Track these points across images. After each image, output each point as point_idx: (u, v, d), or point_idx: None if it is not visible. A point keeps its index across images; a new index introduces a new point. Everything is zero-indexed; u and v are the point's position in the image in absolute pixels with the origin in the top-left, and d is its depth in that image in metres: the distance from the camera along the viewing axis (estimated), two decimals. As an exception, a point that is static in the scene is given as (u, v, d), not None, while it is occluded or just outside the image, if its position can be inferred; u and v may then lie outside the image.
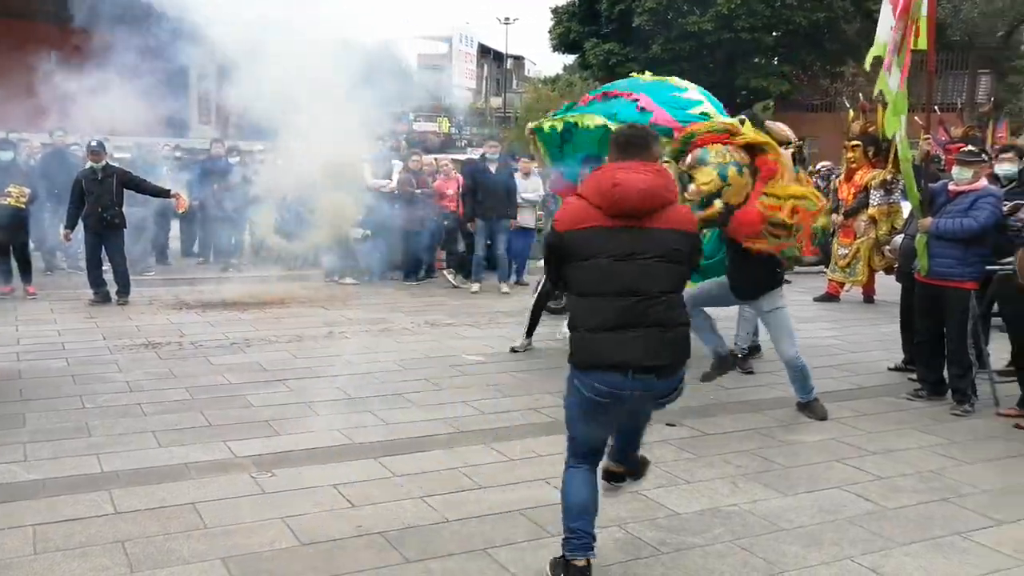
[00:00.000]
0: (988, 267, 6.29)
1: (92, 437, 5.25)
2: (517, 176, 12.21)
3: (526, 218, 12.08)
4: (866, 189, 10.51)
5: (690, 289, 6.31)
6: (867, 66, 6.86)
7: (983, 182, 6.28)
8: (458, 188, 12.15)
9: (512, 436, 5.53)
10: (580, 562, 3.53)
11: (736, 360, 7.34)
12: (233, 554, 3.81)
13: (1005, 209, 6.24)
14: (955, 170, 6.33)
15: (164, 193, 10.26)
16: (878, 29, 6.56)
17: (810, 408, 6.14)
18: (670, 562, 3.90)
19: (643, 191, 3.39)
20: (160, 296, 10.39)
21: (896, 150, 8.25)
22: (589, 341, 3.45)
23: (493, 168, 11.31)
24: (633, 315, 3.39)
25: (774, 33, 31.15)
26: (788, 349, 6.06)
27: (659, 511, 4.43)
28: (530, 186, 12.10)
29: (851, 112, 11.22)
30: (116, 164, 10.40)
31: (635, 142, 3.56)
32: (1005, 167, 6.81)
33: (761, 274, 5.98)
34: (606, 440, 3.75)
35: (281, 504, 4.35)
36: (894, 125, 6.47)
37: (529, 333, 7.94)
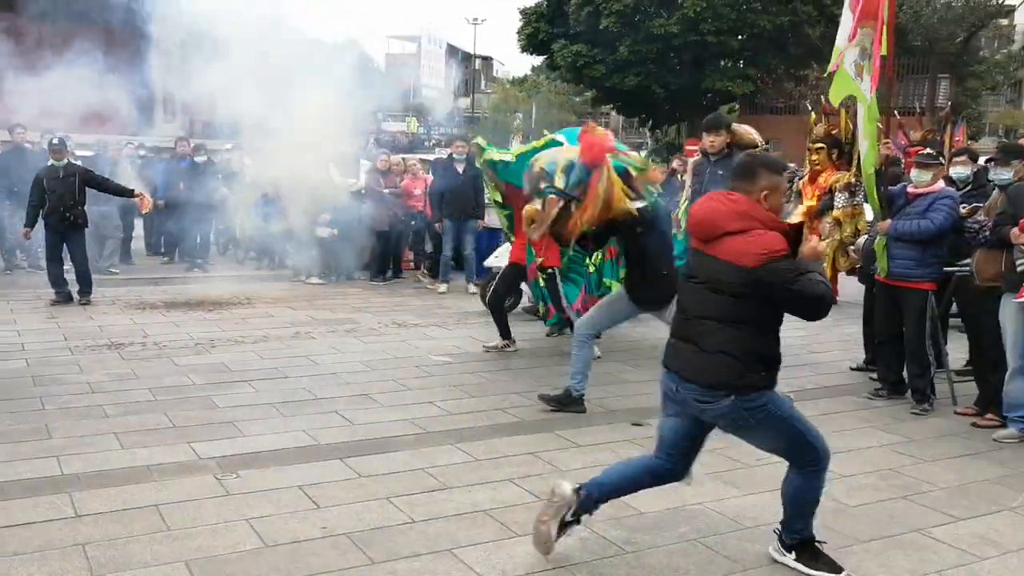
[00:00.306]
0: (946, 268, 6.42)
1: (52, 439, 5.17)
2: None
3: (496, 219, 12.08)
4: (831, 191, 10.62)
5: (590, 312, 6.37)
6: (827, 72, 6.94)
7: (940, 184, 6.40)
8: (426, 188, 12.14)
9: (478, 436, 5.53)
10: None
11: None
12: (196, 557, 3.77)
13: (963, 211, 6.36)
14: (913, 173, 6.46)
15: (128, 193, 10.12)
16: (839, 35, 6.66)
17: None
18: (635, 561, 3.92)
19: (699, 219, 3.68)
20: (123, 296, 10.25)
21: (859, 154, 8.40)
22: (667, 344, 3.87)
23: (460, 168, 11.29)
24: (683, 330, 3.74)
25: (739, 36, 31.42)
26: None
27: (625, 510, 4.44)
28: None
29: (813, 115, 11.32)
30: (78, 162, 10.25)
31: (739, 170, 3.78)
32: (958, 170, 6.92)
33: (662, 286, 5.80)
34: (675, 443, 3.90)
35: (245, 506, 4.32)
36: (872, 130, 6.54)
37: (505, 335, 7.94)
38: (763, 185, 3.64)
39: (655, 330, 9.24)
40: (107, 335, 8.08)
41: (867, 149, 6.50)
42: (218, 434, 5.37)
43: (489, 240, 12.11)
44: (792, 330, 9.32)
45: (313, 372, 6.95)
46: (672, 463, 3.91)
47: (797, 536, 3.82)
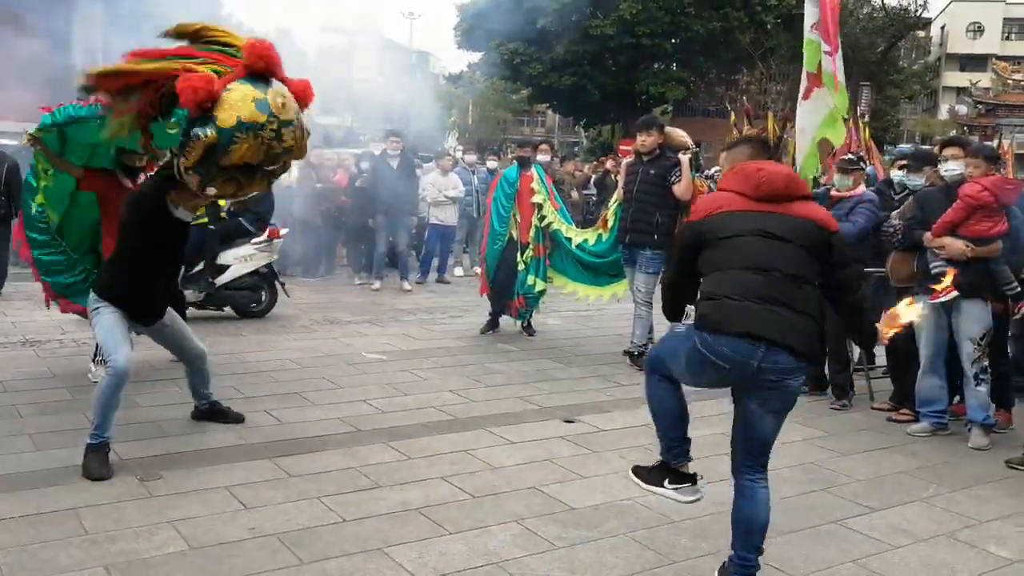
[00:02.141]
0: (865, 269, 6.65)
1: (-38, 440, 4.94)
2: (434, 173, 12.19)
3: (448, 215, 12.04)
4: None
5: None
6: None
7: (861, 188, 6.69)
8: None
9: (411, 434, 5.47)
10: (686, 468, 3.76)
11: (632, 357, 7.49)
12: (118, 561, 3.63)
13: (893, 215, 6.59)
14: (836, 177, 6.68)
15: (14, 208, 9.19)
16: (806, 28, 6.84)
17: None
18: (565, 555, 3.92)
19: (789, 176, 3.64)
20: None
21: (794, 156, 8.59)
22: (724, 307, 3.41)
23: (394, 164, 11.18)
24: (769, 291, 3.40)
25: (673, 40, 31.81)
26: None
27: (555, 506, 4.45)
28: (450, 183, 12.07)
29: (733, 116, 11.51)
30: (5, 152, 9.83)
31: (761, 146, 3.88)
32: (899, 174, 7.11)
33: None
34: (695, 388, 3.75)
35: (169, 508, 4.18)
36: (839, 133, 6.70)
37: None
38: None
39: (585, 327, 9.32)
40: (21, 332, 7.78)
41: (807, 154, 6.64)
42: (140, 434, 5.19)
43: (445, 237, 12.12)
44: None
45: (241, 370, 6.79)
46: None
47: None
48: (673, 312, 3.92)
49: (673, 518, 4.33)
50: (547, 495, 4.60)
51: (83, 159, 6.04)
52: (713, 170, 15.53)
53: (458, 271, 13.15)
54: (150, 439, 5.13)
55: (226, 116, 4.12)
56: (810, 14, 7.06)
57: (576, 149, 25.81)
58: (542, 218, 8.38)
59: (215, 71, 4.27)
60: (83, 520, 3.99)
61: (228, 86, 4.17)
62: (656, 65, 33.39)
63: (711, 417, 6.20)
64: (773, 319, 3.35)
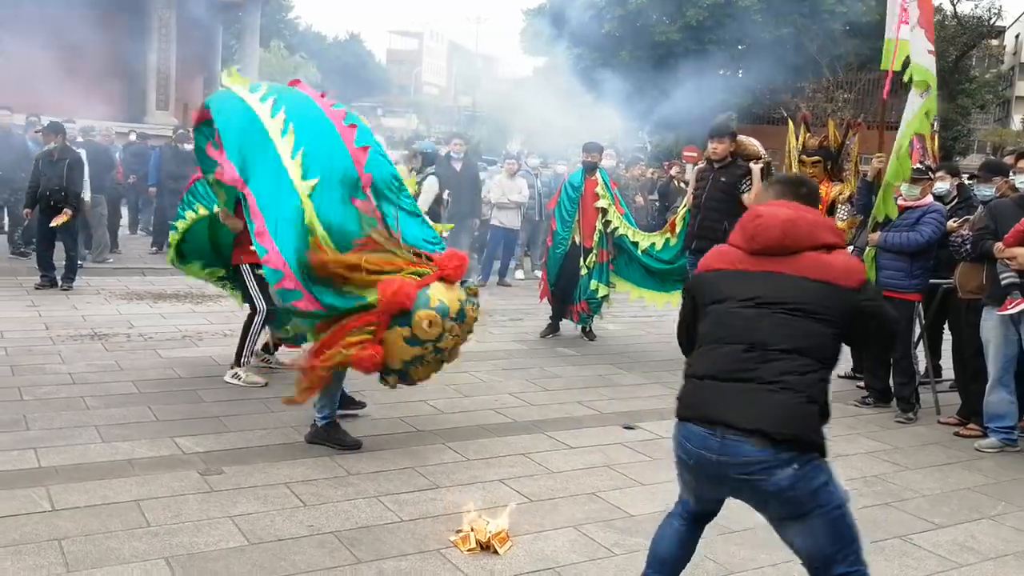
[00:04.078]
0: (933, 281, 6.59)
1: (30, 431, 5.02)
2: (500, 176, 12.17)
3: (511, 218, 12.02)
4: (833, 204, 10.55)
5: None
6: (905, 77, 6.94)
7: (929, 198, 6.55)
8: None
9: (469, 436, 5.44)
10: None
11: None
12: (177, 553, 3.65)
13: (954, 225, 6.51)
14: (904, 186, 6.48)
15: (75, 199, 9.61)
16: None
17: None
18: (623, 563, 3.84)
19: (786, 221, 2.93)
20: (110, 286, 10.10)
21: (857, 163, 8.38)
22: (689, 389, 2.97)
23: (458, 167, 11.19)
24: (744, 365, 2.83)
25: (740, 46, 31.41)
26: None
27: (614, 513, 4.39)
28: (515, 187, 12.04)
29: (791, 123, 11.22)
30: (75, 148, 10.10)
31: (806, 191, 3.17)
32: (938, 185, 6.98)
33: None
34: (708, 504, 3.14)
35: (230, 503, 4.20)
36: (910, 135, 6.56)
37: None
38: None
39: (647, 333, 9.19)
40: (91, 325, 7.93)
41: (899, 158, 6.46)
42: (203, 429, 5.24)
43: (508, 240, 12.09)
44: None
45: (302, 368, 6.81)
46: (702, 516, 3.17)
47: None
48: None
49: (733, 528, 4.21)
50: (605, 501, 4.53)
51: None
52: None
53: (519, 274, 13.11)
54: (213, 434, 5.17)
55: (393, 362, 4.67)
56: (892, 15, 6.86)
57: (640, 155, 25.72)
58: (607, 223, 8.29)
59: (370, 332, 4.60)
60: (145, 512, 4.02)
61: (382, 339, 4.59)
62: (721, 71, 33.01)
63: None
64: (738, 398, 2.79)
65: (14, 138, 11.33)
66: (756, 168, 7.30)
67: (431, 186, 9.35)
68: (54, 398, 5.66)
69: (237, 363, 6.38)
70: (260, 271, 5.45)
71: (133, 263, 11.86)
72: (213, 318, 8.57)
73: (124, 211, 13.54)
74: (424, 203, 8.61)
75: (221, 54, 28.99)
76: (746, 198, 7.17)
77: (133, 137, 14.63)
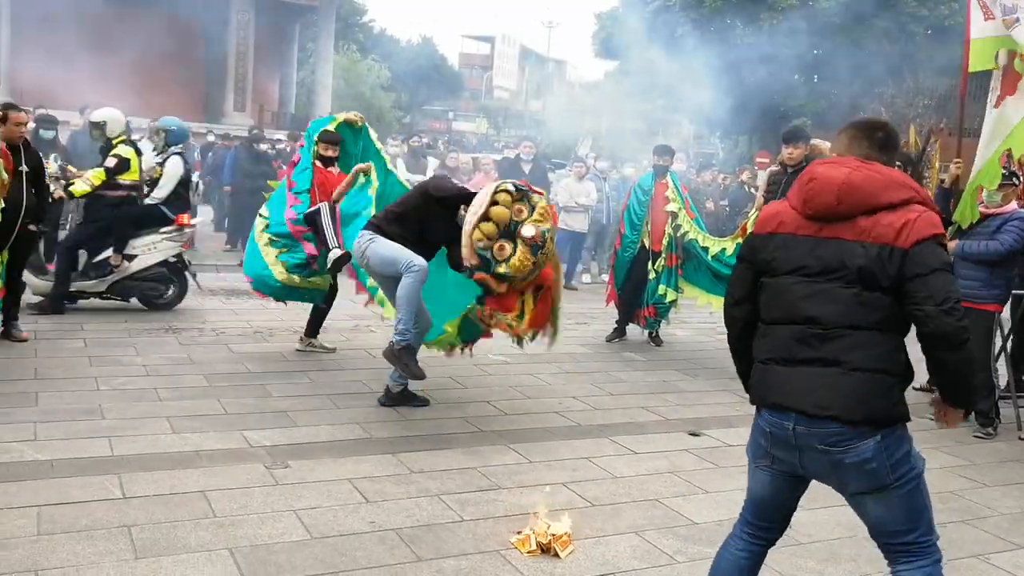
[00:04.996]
0: (1016, 292, 6.26)
1: (104, 420, 5.16)
2: (568, 179, 12.16)
3: (579, 222, 11.98)
4: None
5: None
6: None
7: (1012, 205, 6.29)
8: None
9: (533, 438, 5.42)
10: None
11: None
12: (241, 544, 3.70)
13: None
14: (985, 193, 6.26)
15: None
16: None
17: None
18: (686, 571, 3.78)
19: (843, 184, 2.66)
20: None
21: (938, 171, 8.12)
22: (755, 373, 2.86)
23: (527, 169, 11.19)
24: (803, 348, 2.70)
25: (816, 51, 30.82)
26: None
27: (677, 520, 4.32)
28: (583, 190, 12.00)
29: None
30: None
31: (884, 140, 2.82)
32: None
33: None
34: (778, 513, 3.00)
35: (294, 496, 4.24)
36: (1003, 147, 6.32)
37: None
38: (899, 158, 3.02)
39: (714, 339, 9.04)
40: (166, 319, 8.12)
41: (986, 161, 6.23)
42: (270, 423, 5.32)
43: (574, 243, 12.05)
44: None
45: (371, 365, 6.88)
46: (766, 535, 3.00)
47: None
48: (738, 364, 3.06)
49: (800, 540, 4.12)
50: (668, 508, 4.46)
51: None
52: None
53: (586, 278, 13.04)
54: (280, 428, 5.24)
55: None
56: (976, 15, 6.60)
57: (712, 160, 25.49)
58: (677, 227, 8.19)
59: None
60: (212, 503, 4.09)
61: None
62: (796, 76, 32.42)
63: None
64: (805, 383, 2.68)
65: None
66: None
67: (175, 167, 8.39)
68: (128, 389, 5.81)
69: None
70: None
71: (207, 260, 12.13)
72: (283, 314, 8.68)
73: (202, 210, 13.82)
74: (166, 186, 8.30)
75: (297, 57, 29.56)
76: None
77: (211, 138, 14.98)
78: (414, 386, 5.90)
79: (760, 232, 2.87)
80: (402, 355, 5.46)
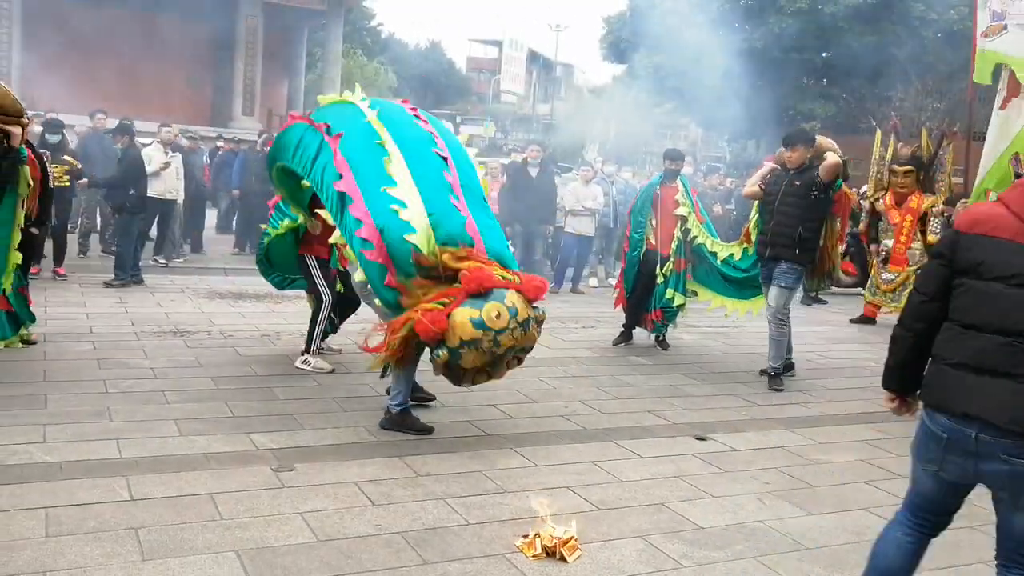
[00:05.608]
0: None
1: (112, 422, 5.19)
2: (575, 183, 12.16)
3: (586, 226, 11.99)
4: (924, 216, 10.23)
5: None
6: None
7: None
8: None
9: (538, 442, 5.42)
10: None
11: (771, 378, 7.22)
12: (248, 547, 3.72)
13: None
14: (992, 196, 6.23)
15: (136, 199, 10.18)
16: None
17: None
18: (690, 575, 3.78)
19: None
20: (192, 284, 10.40)
21: (950, 174, 8.09)
22: (937, 374, 2.81)
23: (534, 173, 11.20)
24: (1001, 358, 2.64)
25: (824, 54, 30.76)
26: None
27: (683, 524, 4.31)
28: (590, 194, 12.01)
29: (879, 133, 10.89)
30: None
31: None
32: None
33: None
34: (945, 509, 3.04)
35: (300, 499, 4.26)
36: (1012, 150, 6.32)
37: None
38: None
39: (721, 344, 9.05)
40: (173, 322, 8.17)
41: (993, 164, 6.22)
42: (277, 426, 5.34)
43: (582, 247, 12.05)
44: (862, 351, 9.07)
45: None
46: (933, 526, 3.05)
47: None
48: (899, 355, 3.00)
49: (807, 545, 4.13)
50: (674, 512, 4.46)
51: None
52: (863, 189, 14.79)
53: (593, 282, 13.05)
54: (286, 431, 5.26)
55: (451, 338, 4.77)
56: (982, 20, 6.61)
57: (719, 164, 25.51)
58: (686, 231, 8.20)
59: (443, 303, 4.85)
60: (219, 505, 4.11)
61: (452, 312, 4.77)
62: (805, 80, 32.37)
63: (851, 443, 5.93)
64: (996, 395, 2.64)
65: (107, 141, 11.76)
66: (832, 154, 7.12)
67: None
68: (136, 391, 5.84)
69: (307, 350, 6.82)
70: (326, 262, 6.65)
71: (216, 263, 12.18)
72: (291, 318, 8.74)
73: (209, 214, 13.92)
74: None
75: (305, 61, 29.64)
76: (821, 169, 6.98)
77: (221, 143, 15.05)
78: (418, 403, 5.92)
79: (968, 231, 2.79)
80: (404, 419, 5.45)
